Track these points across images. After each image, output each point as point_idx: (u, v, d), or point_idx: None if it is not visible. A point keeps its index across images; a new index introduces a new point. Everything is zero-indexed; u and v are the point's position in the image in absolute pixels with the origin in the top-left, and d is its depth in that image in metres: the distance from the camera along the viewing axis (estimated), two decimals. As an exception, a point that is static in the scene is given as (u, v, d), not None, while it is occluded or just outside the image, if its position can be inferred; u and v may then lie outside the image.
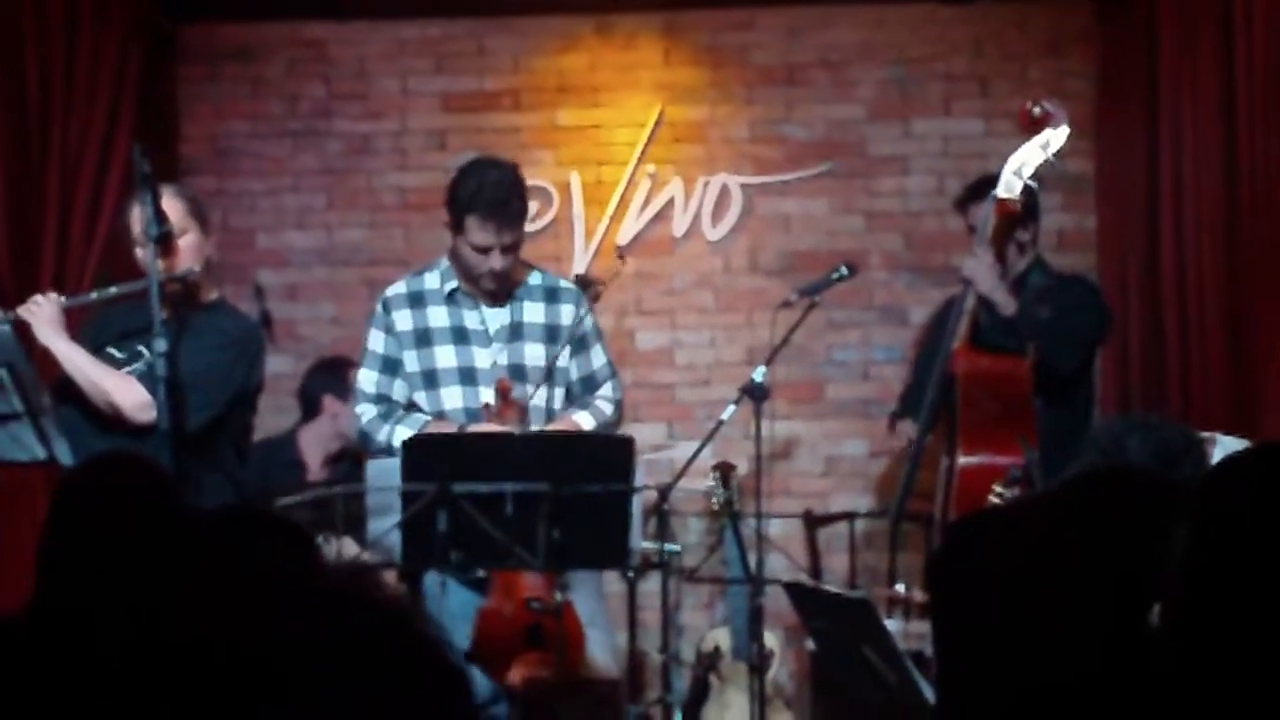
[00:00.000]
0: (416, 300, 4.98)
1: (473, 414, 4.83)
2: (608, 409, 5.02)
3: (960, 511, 4.95)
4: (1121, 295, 6.29)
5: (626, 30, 6.96)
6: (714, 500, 5.99)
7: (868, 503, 6.75)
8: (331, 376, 6.25)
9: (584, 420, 4.94)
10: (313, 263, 7.03)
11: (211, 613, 1.13)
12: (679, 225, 6.89)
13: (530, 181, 6.79)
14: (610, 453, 4.43)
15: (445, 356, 4.92)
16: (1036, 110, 5.27)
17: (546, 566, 4.39)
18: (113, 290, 4.77)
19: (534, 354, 4.93)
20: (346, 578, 1.34)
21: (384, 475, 4.48)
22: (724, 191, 6.88)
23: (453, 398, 4.91)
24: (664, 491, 5.53)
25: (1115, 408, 6.26)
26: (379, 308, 5.03)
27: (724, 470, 5.94)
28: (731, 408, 5.37)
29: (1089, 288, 5.76)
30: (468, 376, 4.90)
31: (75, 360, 4.62)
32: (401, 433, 4.84)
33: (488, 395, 4.78)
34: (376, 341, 5.00)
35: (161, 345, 4.43)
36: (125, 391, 4.58)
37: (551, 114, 6.94)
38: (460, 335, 4.93)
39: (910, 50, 6.88)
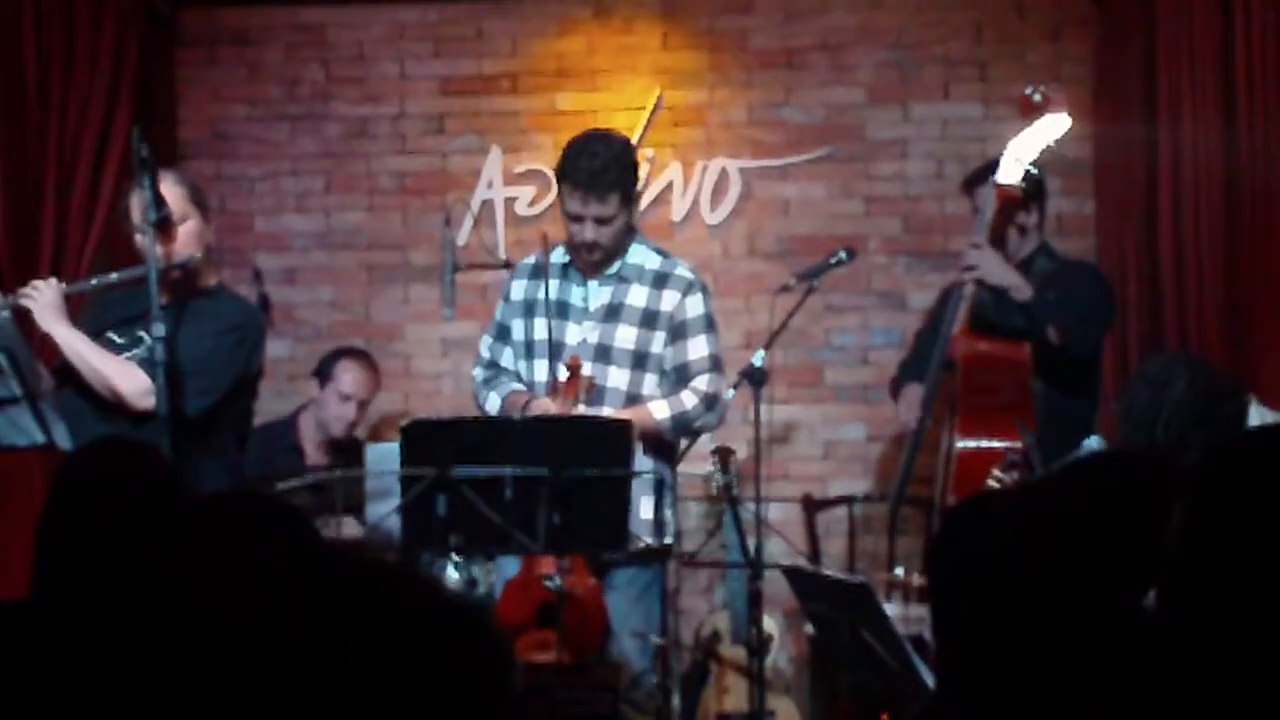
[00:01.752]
0: (537, 272, 5.02)
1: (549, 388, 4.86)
2: (690, 401, 4.89)
3: (959, 495, 4.96)
4: (1120, 279, 6.29)
5: (624, 14, 6.95)
6: (713, 485, 5.98)
7: (866, 487, 6.75)
8: (324, 361, 6.24)
9: (658, 409, 4.87)
10: (311, 246, 7.03)
11: (211, 593, 1.12)
12: (678, 209, 6.88)
13: (528, 166, 6.85)
14: (609, 437, 4.43)
15: (542, 328, 4.94)
16: (1036, 96, 5.27)
17: (546, 551, 4.39)
18: (113, 276, 4.77)
19: (625, 336, 4.90)
20: (355, 551, 1.34)
21: (383, 459, 4.49)
22: (722, 175, 6.88)
23: (541, 370, 4.94)
24: (663, 476, 5.53)
25: (1114, 390, 6.26)
26: (507, 276, 5.15)
27: (723, 455, 5.93)
28: (730, 392, 5.36)
29: (1095, 272, 5.76)
30: (557, 350, 4.90)
31: (76, 346, 4.62)
32: (492, 399, 5.01)
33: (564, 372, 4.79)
34: (498, 308, 5.14)
35: (161, 331, 4.42)
36: (126, 377, 4.58)
37: (550, 98, 6.93)
38: (562, 309, 4.95)
39: (909, 34, 6.87)
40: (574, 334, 4.91)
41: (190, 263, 4.69)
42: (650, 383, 4.92)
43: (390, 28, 7.03)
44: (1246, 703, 1.64)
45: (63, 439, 4.54)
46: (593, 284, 4.94)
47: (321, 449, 6.19)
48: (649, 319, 4.91)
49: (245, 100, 7.06)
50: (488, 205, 6.91)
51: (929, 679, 3.66)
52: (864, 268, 6.62)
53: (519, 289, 5.05)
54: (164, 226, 4.55)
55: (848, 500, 6.67)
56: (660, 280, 4.95)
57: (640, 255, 4.98)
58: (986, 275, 5.19)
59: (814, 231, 6.82)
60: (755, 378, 5.28)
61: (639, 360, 4.90)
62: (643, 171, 6.83)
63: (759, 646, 5.32)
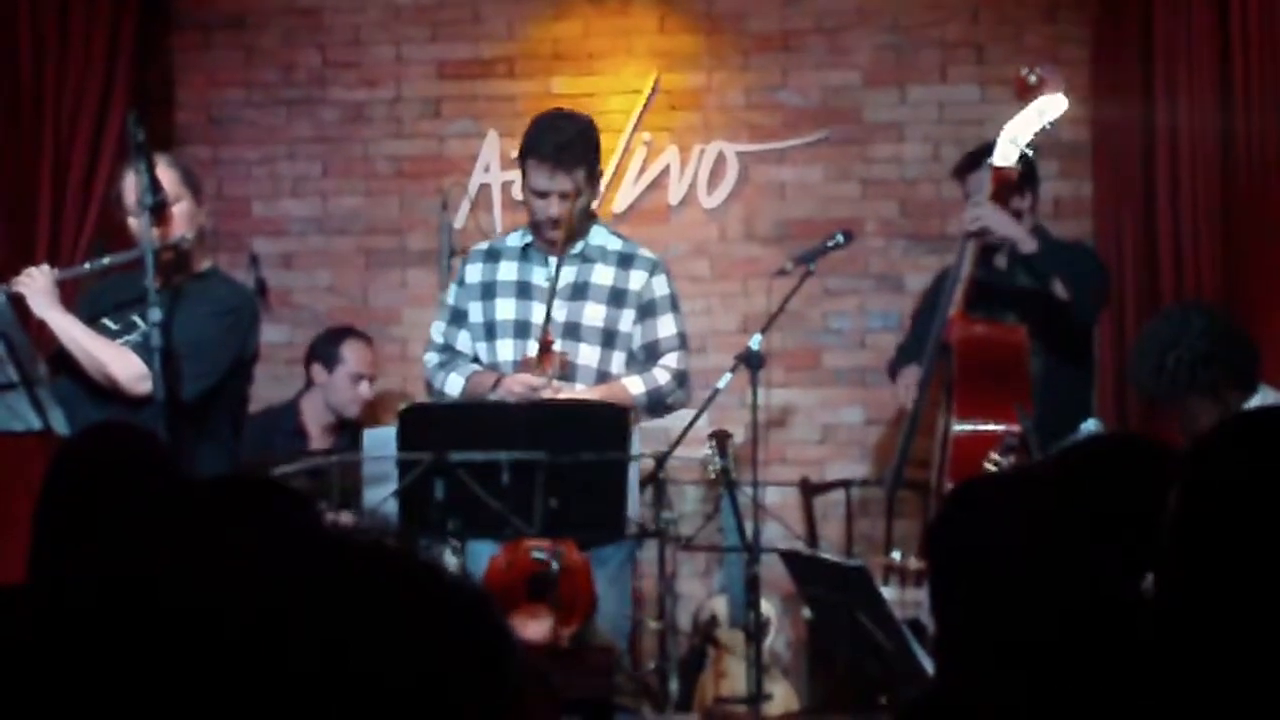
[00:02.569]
0: (493, 255, 5.08)
1: (520, 367, 4.86)
2: (663, 377, 4.98)
3: (956, 479, 4.95)
4: (1117, 261, 6.29)
5: (621, -3, 6.94)
6: (710, 468, 5.98)
7: (864, 470, 6.75)
8: (324, 345, 6.25)
9: (633, 385, 4.94)
10: (308, 231, 7.02)
11: (210, 584, 1.12)
12: (674, 193, 6.88)
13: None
14: (607, 421, 4.43)
15: (505, 309, 4.99)
16: (1032, 77, 5.26)
17: (544, 535, 4.40)
18: (105, 261, 4.77)
19: (594, 314, 4.95)
20: (350, 532, 1.32)
21: (380, 444, 4.49)
22: (720, 159, 6.87)
23: (506, 350, 4.97)
24: (660, 460, 5.53)
25: (1111, 373, 6.27)
26: (460, 262, 5.18)
27: (720, 438, 5.93)
28: (728, 376, 5.37)
29: (1087, 249, 5.78)
30: (522, 330, 4.94)
31: (71, 332, 4.62)
32: (453, 380, 5.00)
33: (535, 349, 4.81)
34: (449, 293, 5.15)
35: (156, 315, 4.42)
36: (121, 363, 4.58)
37: (547, 81, 6.92)
38: (524, 290, 4.99)
39: (906, 17, 6.86)
40: (540, 313, 4.92)
41: (183, 244, 4.68)
42: (619, 360, 4.99)
43: (386, 11, 7.02)
44: (1245, 688, 1.64)
45: (59, 425, 4.54)
46: (555, 262, 4.96)
47: (327, 432, 6.20)
48: (616, 297, 4.96)
49: (241, 84, 7.04)
50: (485, 189, 6.90)
51: (926, 663, 3.66)
52: (861, 251, 6.61)
53: (474, 272, 5.08)
54: (159, 210, 4.55)
55: (845, 484, 6.67)
56: (625, 260, 5.02)
57: (601, 237, 5.06)
58: (994, 227, 5.18)
59: (811, 214, 6.82)
60: (752, 361, 5.29)
61: (608, 338, 4.96)
62: (639, 155, 6.85)
63: (756, 630, 5.32)
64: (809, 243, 5.78)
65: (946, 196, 6.52)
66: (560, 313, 4.91)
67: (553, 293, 4.83)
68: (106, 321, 4.72)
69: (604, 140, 6.78)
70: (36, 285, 4.62)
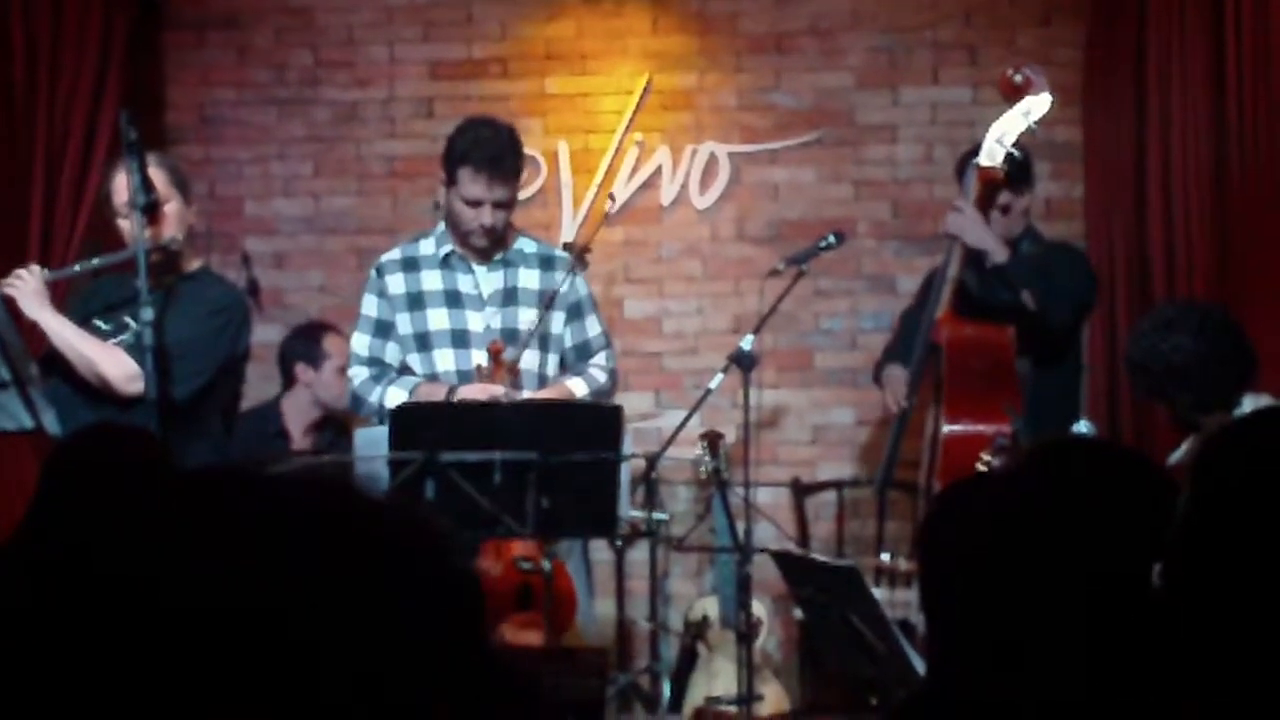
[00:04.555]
0: (410, 265, 5.04)
1: (465, 376, 4.86)
2: (601, 376, 5.05)
3: (946, 480, 4.96)
4: (1109, 263, 6.30)
5: (614, -2, 6.95)
6: (702, 469, 5.99)
7: (855, 471, 6.76)
8: (303, 343, 6.25)
9: (577, 386, 4.97)
10: (300, 231, 7.02)
11: (209, 571, 1.10)
12: (667, 194, 6.88)
13: (518, 149, 6.83)
14: (598, 421, 4.44)
15: (438, 319, 4.96)
16: (1018, 78, 5.26)
17: (535, 535, 4.40)
18: (95, 262, 4.77)
19: (527, 318, 4.96)
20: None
21: (372, 444, 4.49)
22: (712, 160, 6.87)
23: (445, 360, 4.95)
24: (652, 460, 5.54)
25: (1103, 375, 6.28)
26: (373, 273, 5.09)
27: (712, 439, 5.94)
28: (719, 376, 5.37)
29: (1076, 252, 5.79)
30: (460, 339, 4.94)
31: (63, 333, 4.62)
32: (394, 394, 4.89)
33: (480, 357, 4.82)
34: (370, 306, 5.06)
35: (148, 315, 4.42)
36: (113, 364, 4.58)
37: (539, 82, 6.92)
38: (453, 299, 4.98)
39: (899, 18, 6.86)
40: (476, 321, 4.95)
41: (172, 245, 4.68)
42: (553, 362, 5.04)
43: (379, 11, 7.02)
44: (1251, 686, 1.64)
45: (52, 425, 4.54)
46: (481, 270, 4.99)
47: (309, 432, 6.20)
48: (544, 300, 4.97)
49: (234, 84, 7.04)
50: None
51: (917, 663, 3.66)
52: (853, 252, 6.61)
53: (396, 283, 5.03)
54: (151, 210, 4.55)
55: (836, 485, 6.68)
56: (546, 262, 5.06)
57: (519, 240, 5.08)
58: (965, 234, 5.19)
59: (803, 216, 6.82)
60: (744, 362, 5.29)
61: (543, 341, 4.99)
62: (631, 156, 6.85)
63: (748, 631, 5.33)
64: (801, 244, 5.80)
65: (939, 198, 6.53)
66: (495, 319, 4.94)
67: (534, 300, 4.86)
68: (98, 322, 4.72)
69: (597, 141, 6.87)
70: (28, 287, 4.62)
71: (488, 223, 4.86)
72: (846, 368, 6.83)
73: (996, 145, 5.19)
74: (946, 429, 5.09)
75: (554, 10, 6.94)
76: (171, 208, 4.70)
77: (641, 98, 6.86)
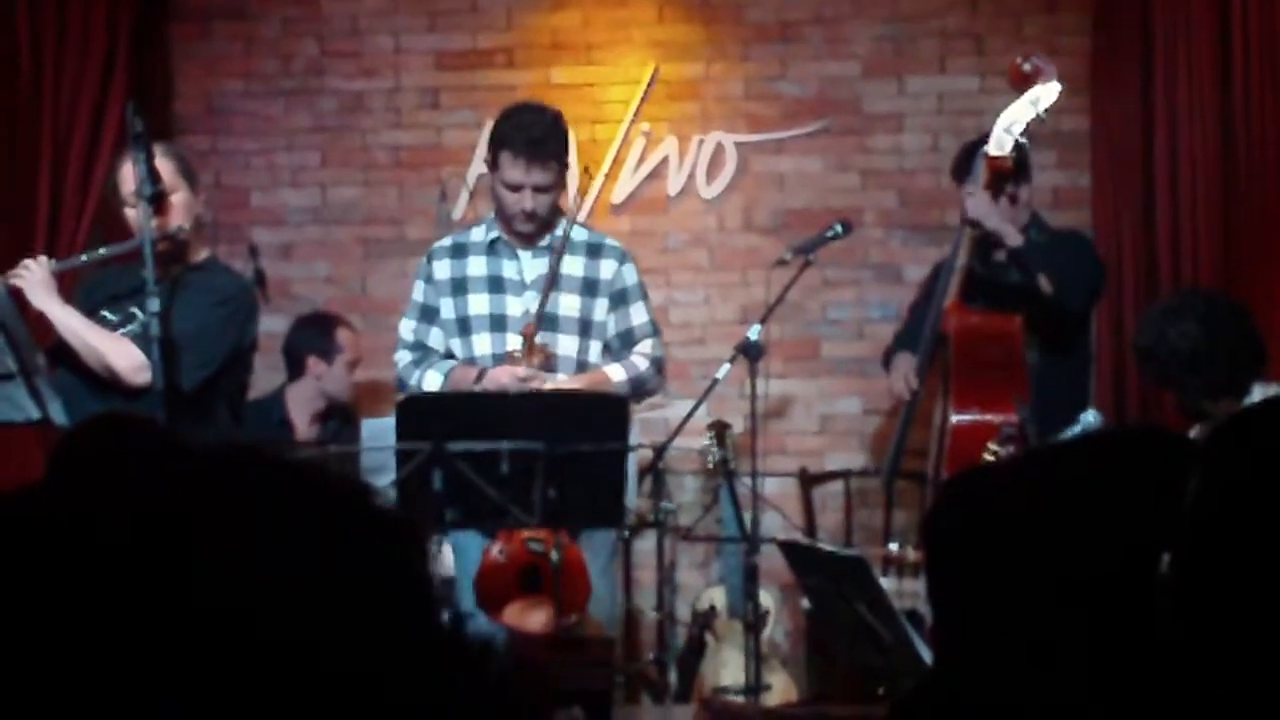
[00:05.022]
0: (459, 251, 5.06)
1: (501, 361, 4.87)
2: (642, 364, 4.99)
3: (953, 469, 4.96)
4: (1116, 252, 6.30)
5: (620, -13, 6.94)
6: (709, 459, 5.99)
7: (862, 461, 6.75)
8: (314, 334, 6.26)
9: (615, 373, 4.94)
10: (307, 221, 7.02)
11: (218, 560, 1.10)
12: (673, 184, 6.87)
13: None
14: (605, 411, 4.44)
15: (479, 304, 4.98)
16: (1026, 66, 5.26)
17: (543, 525, 4.40)
18: (102, 252, 4.77)
19: (569, 305, 4.94)
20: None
21: (379, 434, 4.50)
22: (718, 149, 6.87)
23: (482, 344, 4.96)
24: (659, 450, 5.54)
25: (1110, 364, 6.27)
26: (424, 259, 5.15)
27: (719, 429, 5.94)
28: (726, 366, 5.37)
29: (1083, 240, 5.79)
30: (498, 324, 4.94)
31: (70, 324, 4.62)
32: (431, 377, 4.95)
33: (516, 342, 4.81)
34: (417, 291, 5.11)
35: (155, 305, 4.42)
36: (121, 354, 4.58)
37: (545, 72, 6.92)
38: (496, 284, 4.98)
39: (905, 7, 6.85)
40: (515, 306, 4.94)
41: (179, 234, 4.68)
42: (595, 349, 4.99)
43: (384, 1, 7.01)
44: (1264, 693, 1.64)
45: (58, 415, 4.54)
46: (525, 256, 4.97)
47: (313, 421, 6.21)
48: (589, 287, 4.96)
49: (240, 75, 7.04)
50: (483, 179, 6.88)
51: (925, 653, 3.66)
52: (860, 241, 6.61)
53: (442, 269, 5.06)
54: (157, 200, 4.55)
55: (844, 474, 6.67)
56: (594, 250, 5.02)
57: (564, 226, 5.04)
58: (984, 219, 5.19)
59: (810, 205, 6.82)
60: (751, 352, 5.29)
61: (584, 328, 4.96)
62: (638, 146, 6.85)
63: (755, 621, 5.33)
64: (808, 233, 5.79)
65: (945, 187, 6.50)
66: (535, 305, 4.93)
67: (549, 285, 4.84)
68: (105, 313, 4.72)
69: (603, 131, 6.86)
70: (35, 278, 4.62)
71: (528, 207, 4.85)
72: (854, 357, 6.82)
73: (1005, 134, 5.19)
74: (954, 418, 5.09)
75: (559, 0, 6.94)
76: (178, 198, 4.70)
77: (648, 88, 6.85)
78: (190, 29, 7.05)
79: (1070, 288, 5.21)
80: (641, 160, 6.84)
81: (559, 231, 4.94)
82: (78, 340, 4.61)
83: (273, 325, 6.21)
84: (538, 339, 4.79)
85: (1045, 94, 5.18)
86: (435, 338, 5.07)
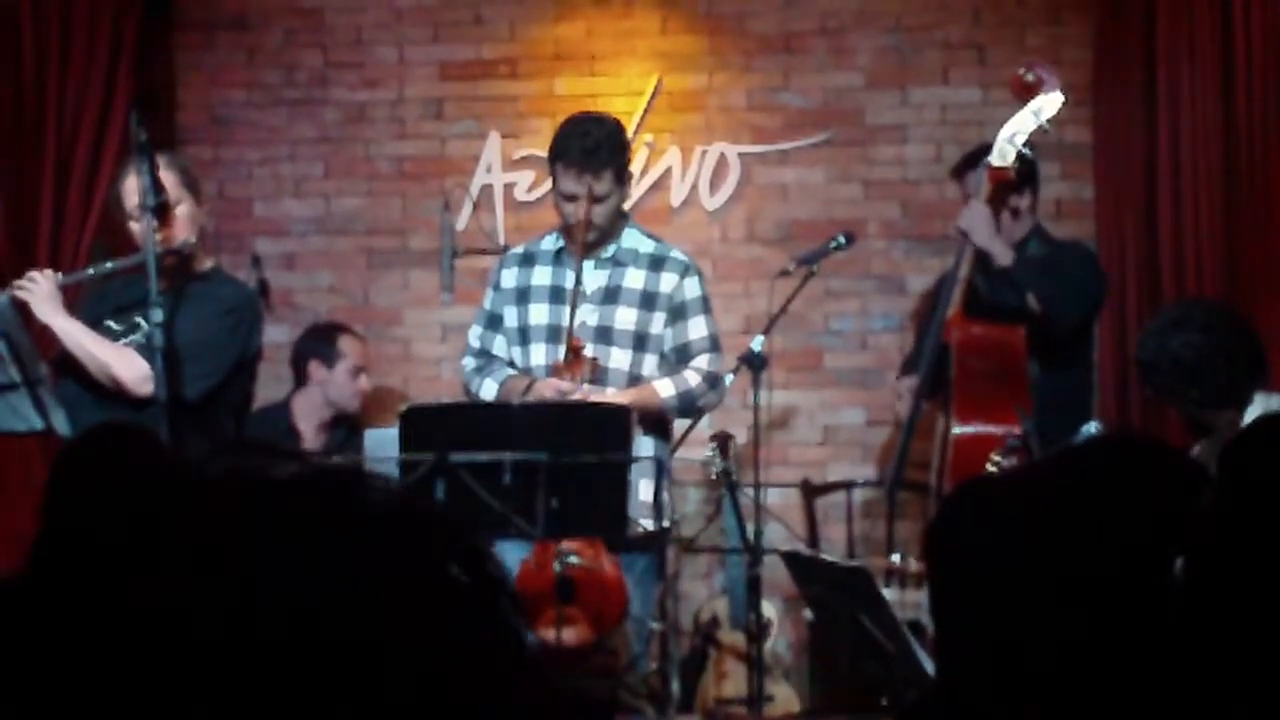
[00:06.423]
0: (528, 260, 5.10)
1: (552, 371, 4.87)
2: (694, 379, 4.95)
3: (956, 481, 4.95)
4: (1119, 264, 6.29)
5: (624, -2, 6.95)
6: (712, 470, 5.99)
7: (866, 472, 6.75)
8: (318, 342, 6.27)
9: (663, 388, 4.92)
10: (310, 231, 7.03)
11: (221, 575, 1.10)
12: (676, 194, 6.88)
13: (527, 151, 6.83)
14: (608, 422, 4.44)
15: (539, 314, 5.00)
16: (1029, 76, 5.26)
17: (545, 536, 4.40)
18: (108, 265, 4.78)
19: (625, 318, 4.95)
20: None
21: (382, 445, 4.49)
22: (721, 160, 6.87)
23: (539, 354, 4.99)
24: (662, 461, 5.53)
25: (1113, 375, 6.27)
26: (496, 265, 5.20)
27: (722, 440, 5.94)
28: (729, 377, 5.37)
29: (1085, 251, 5.78)
30: (554, 334, 4.95)
31: (75, 335, 4.62)
32: (488, 385, 5.02)
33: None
34: (486, 298, 5.18)
35: (159, 316, 4.43)
36: (125, 365, 4.59)
37: (549, 83, 6.92)
38: (556, 294, 4.99)
39: (908, 18, 6.86)
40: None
41: (185, 248, 4.69)
42: (650, 363, 4.97)
43: (388, 12, 7.02)
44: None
45: (61, 425, 4.55)
46: (588, 266, 4.95)
47: (320, 430, 6.22)
48: (648, 300, 4.95)
49: (243, 85, 7.05)
50: (486, 190, 6.90)
51: (928, 665, 3.66)
52: (863, 252, 6.60)
53: (510, 277, 5.10)
54: (161, 211, 4.55)
55: (846, 485, 6.67)
56: (657, 263, 4.99)
57: (634, 239, 5.05)
58: (973, 233, 5.19)
59: (813, 216, 6.82)
60: (754, 363, 5.29)
61: (639, 341, 4.94)
62: (641, 157, 6.84)
63: (758, 632, 5.33)
64: (811, 244, 5.79)
65: (949, 198, 6.52)
66: (592, 317, 4.92)
67: (576, 297, 4.83)
68: (109, 323, 4.73)
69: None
70: (41, 290, 4.63)
71: (583, 217, 4.84)
72: (856, 368, 6.82)
73: (1008, 145, 5.19)
74: (957, 430, 5.08)
75: (563, 11, 6.94)
76: (183, 209, 4.70)
77: (651, 98, 6.86)
78: (193, 39, 7.06)
79: (1065, 302, 5.21)
80: (644, 171, 6.84)
81: (625, 243, 4.95)
82: (83, 352, 4.61)
83: (276, 336, 6.22)
84: (588, 351, 4.79)
85: (1048, 104, 5.18)
86: (499, 345, 5.11)
